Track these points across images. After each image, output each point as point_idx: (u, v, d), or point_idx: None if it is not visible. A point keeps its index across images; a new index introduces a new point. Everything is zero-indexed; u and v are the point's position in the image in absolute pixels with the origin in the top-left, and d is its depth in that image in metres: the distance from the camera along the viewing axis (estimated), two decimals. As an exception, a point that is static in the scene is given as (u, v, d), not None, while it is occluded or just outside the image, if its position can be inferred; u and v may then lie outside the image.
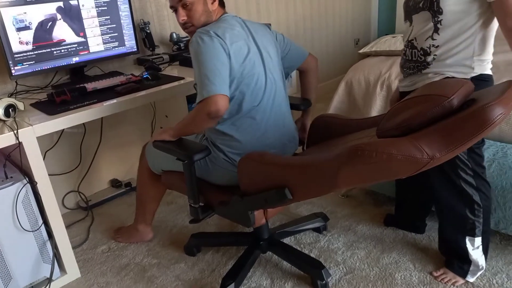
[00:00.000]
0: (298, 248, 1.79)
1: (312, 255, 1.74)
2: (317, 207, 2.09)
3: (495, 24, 1.32)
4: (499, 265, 1.59)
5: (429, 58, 1.36)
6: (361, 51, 2.68)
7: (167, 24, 2.48)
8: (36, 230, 1.55)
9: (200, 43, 1.30)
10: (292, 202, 1.26)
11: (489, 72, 1.38)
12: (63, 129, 2.08)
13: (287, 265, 1.69)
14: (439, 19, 1.31)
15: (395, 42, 2.60)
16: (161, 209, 2.15)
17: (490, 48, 1.36)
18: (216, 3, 1.45)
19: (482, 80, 1.34)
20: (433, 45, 1.34)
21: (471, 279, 1.51)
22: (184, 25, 1.44)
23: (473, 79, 1.33)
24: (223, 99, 1.27)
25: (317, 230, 1.89)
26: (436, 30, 1.32)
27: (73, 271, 1.70)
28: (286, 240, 1.84)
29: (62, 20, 1.88)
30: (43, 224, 1.57)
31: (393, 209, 1.89)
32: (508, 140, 1.80)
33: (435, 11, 1.31)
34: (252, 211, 1.34)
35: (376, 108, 2.13)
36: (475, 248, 1.47)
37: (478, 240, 1.46)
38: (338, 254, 1.74)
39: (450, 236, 1.52)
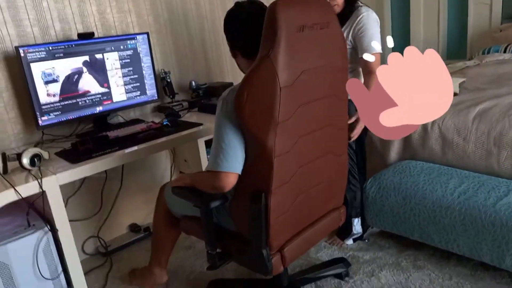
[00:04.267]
0: (319, 296, 1.73)
1: (334, 303, 1.68)
2: (337, 252, 2.03)
3: None
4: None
5: None
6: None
7: (187, 73, 2.58)
8: (55, 278, 1.56)
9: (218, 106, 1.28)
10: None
11: None
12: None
13: (308, 314, 1.63)
14: None
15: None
16: (179, 254, 2.14)
17: None
18: (234, 54, 1.38)
19: None
20: None
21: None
22: None
23: None
24: (231, 177, 1.26)
25: (339, 276, 1.82)
26: None
27: (90, 320, 1.69)
28: (307, 287, 1.78)
29: (87, 72, 1.98)
30: (62, 272, 1.57)
31: (417, 252, 1.83)
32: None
33: None
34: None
35: (394, 150, 2.12)
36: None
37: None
38: (362, 303, 1.67)
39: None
